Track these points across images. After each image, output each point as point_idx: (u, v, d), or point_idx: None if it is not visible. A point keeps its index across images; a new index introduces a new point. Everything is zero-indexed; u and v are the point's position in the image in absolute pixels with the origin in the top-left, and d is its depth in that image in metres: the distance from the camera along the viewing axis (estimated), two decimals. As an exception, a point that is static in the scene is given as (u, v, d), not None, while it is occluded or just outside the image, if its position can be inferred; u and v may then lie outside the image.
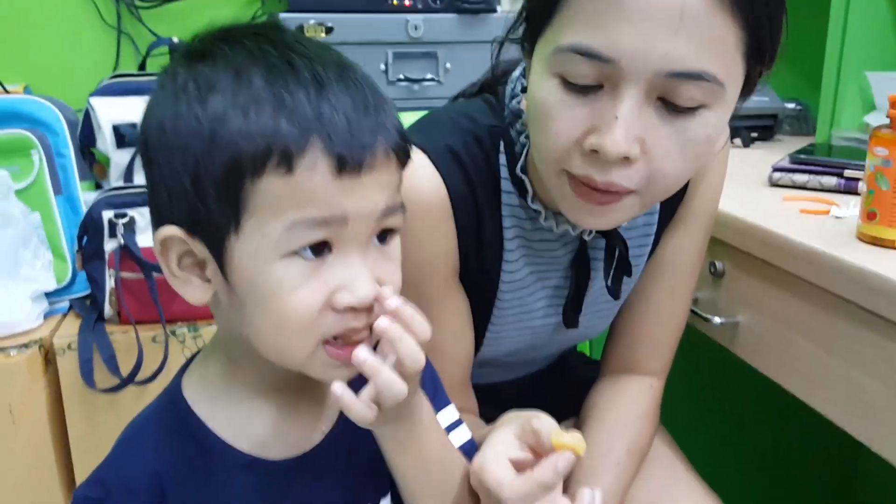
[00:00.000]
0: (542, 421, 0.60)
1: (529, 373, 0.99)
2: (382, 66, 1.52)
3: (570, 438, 0.56)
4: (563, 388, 1.02)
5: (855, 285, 0.75)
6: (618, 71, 0.60)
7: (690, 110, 0.62)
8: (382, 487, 0.64)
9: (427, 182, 0.73)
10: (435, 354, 0.80)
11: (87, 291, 1.49)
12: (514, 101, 0.76)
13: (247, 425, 0.59)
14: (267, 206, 0.49)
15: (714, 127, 0.64)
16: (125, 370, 1.33)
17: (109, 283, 1.43)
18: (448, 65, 1.55)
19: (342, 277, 0.52)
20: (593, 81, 0.62)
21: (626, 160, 0.62)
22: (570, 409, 0.98)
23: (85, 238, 1.44)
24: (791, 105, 1.49)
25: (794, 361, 0.86)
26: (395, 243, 0.57)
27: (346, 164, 0.49)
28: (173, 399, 0.59)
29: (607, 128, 0.61)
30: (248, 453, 0.58)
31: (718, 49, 0.60)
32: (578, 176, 0.64)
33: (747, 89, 0.67)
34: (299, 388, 0.60)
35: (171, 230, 0.52)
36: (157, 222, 0.54)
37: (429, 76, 1.54)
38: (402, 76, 1.54)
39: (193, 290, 0.55)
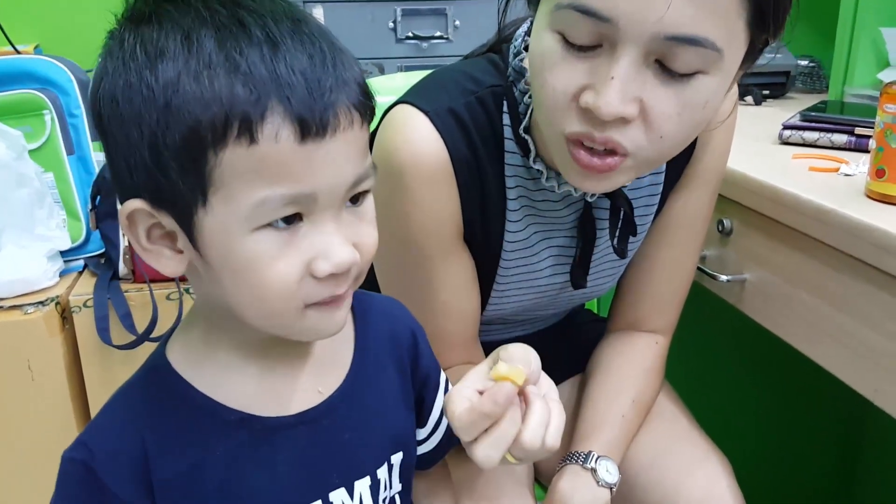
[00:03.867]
0: (508, 352, 0.58)
1: (537, 330, 1.00)
2: (391, 24, 1.51)
3: (506, 369, 0.56)
4: (571, 344, 1.03)
5: (863, 242, 0.75)
6: (616, 31, 0.60)
7: (687, 76, 0.62)
8: (380, 460, 0.63)
9: (428, 145, 0.73)
10: (443, 312, 0.82)
11: (102, 250, 1.50)
12: (517, 60, 0.76)
13: (235, 385, 0.57)
14: (234, 179, 0.47)
15: (713, 93, 0.64)
16: (140, 327, 1.35)
17: (123, 242, 1.45)
18: (457, 22, 1.54)
19: (318, 245, 0.51)
20: (592, 40, 0.62)
21: (622, 120, 0.63)
22: (577, 366, 0.99)
23: (98, 197, 1.45)
24: (804, 62, 1.48)
25: (799, 318, 0.87)
26: (369, 202, 0.55)
27: (310, 126, 0.47)
28: (157, 366, 0.58)
29: (602, 87, 0.61)
30: (239, 410, 0.56)
31: (718, 14, 0.60)
32: (578, 133, 0.65)
33: (751, 57, 0.67)
34: (286, 349, 0.59)
35: (135, 203, 0.50)
36: (121, 196, 0.53)
37: (437, 34, 1.54)
38: (410, 34, 1.53)
39: (167, 262, 0.53)
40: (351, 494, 0.61)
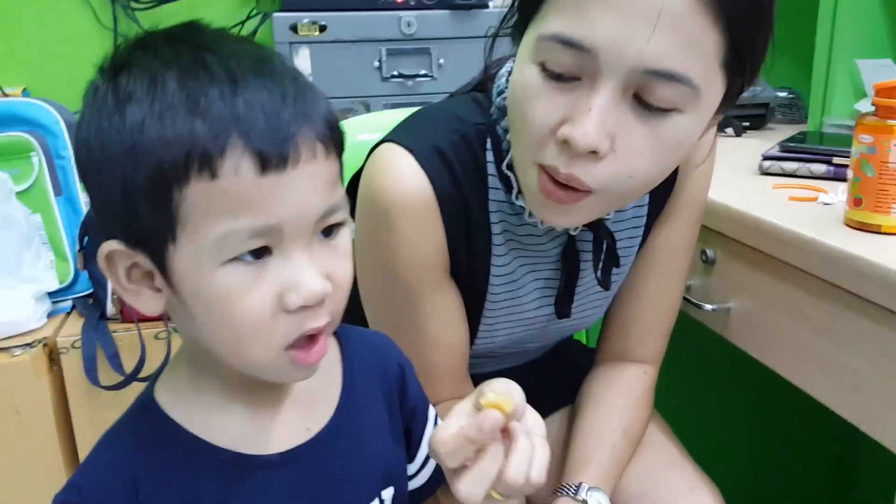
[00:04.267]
0: (491, 386, 0.57)
1: (525, 362, 1.00)
2: (376, 63, 1.54)
3: (495, 397, 0.55)
4: (560, 376, 1.03)
5: (843, 270, 0.77)
6: (596, 63, 0.61)
7: (664, 111, 0.63)
8: (370, 495, 0.63)
9: (413, 182, 0.73)
10: (432, 346, 0.82)
11: (90, 290, 1.50)
12: (500, 98, 0.77)
13: (224, 424, 0.57)
14: (198, 214, 0.48)
15: (687, 133, 0.66)
16: (129, 367, 1.35)
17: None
18: (441, 60, 1.57)
19: (288, 278, 0.50)
20: (572, 72, 0.63)
21: (593, 154, 0.64)
22: (567, 397, 0.99)
23: (86, 238, 1.45)
24: (783, 93, 1.50)
25: (784, 345, 0.88)
26: (343, 235, 0.55)
27: (269, 159, 0.48)
28: (146, 406, 0.58)
29: (580, 118, 0.62)
30: (229, 448, 0.57)
31: (696, 52, 0.61)
32: (546, 165, 0.66)
33: (727, 102, 0.68)
34: (272, 387, 0.59)
35: (112, 245, 0.52)
36: (101, 238, 0.53)
37: (422, 72, 1.56)
38: (396, 73, 1.55)
39: (146, 301, 0.54)
40: None
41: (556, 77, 0.64)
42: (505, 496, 0.57)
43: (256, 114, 0.48)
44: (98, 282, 1.45)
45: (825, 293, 0.80)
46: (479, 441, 0.55)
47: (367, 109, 1.44)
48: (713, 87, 0.65)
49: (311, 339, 0.53)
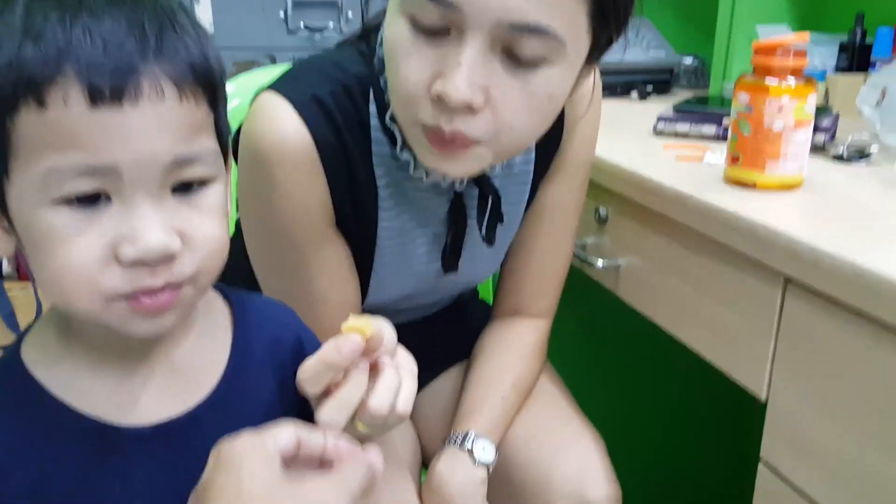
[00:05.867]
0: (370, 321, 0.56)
1: (421, 317, 1.01)
2: (282, 14, 1.49)
3: (355, 321, 0.54)
4: (459, 331, 1.05)
5: (718, 225, 0.79)
6: (462, 17, 0.62)
7: (532, 65, 0.64)
8: None
9: (292, 132, 0.72)
10: (321, 302, 0.82)
11: (-16, 249, 1.45)
12: (381, 48, 0.77)
13: (91, 389, 0.54)
14: (27, 146, 0.45)
15: (556, 85, 0.67)
16: (25, 326, 1.30)
17: (6, 240, 1.39)
18: (350, 14, 1.53)
19: (124, 227, 0.47)
20: (441, 25, 0.63)
21: (469, 109, 0.64)
22: (465, 351, 1.01)
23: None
24: (688, 60, 1.54)
25: (668, 301, 0.91)
26: (211, 193, 0.51)
27: (101, 91, 0.44)
28: (10, 363, 0.54)
29: (450, 73, 0.63)
30: (95, 418, 0.53)
31: (560, 5, 0.62)
32: (429, 126, 0.67)
33: (596, 53, 0.70)
34: (146, 352, 0.56)
35: None
36: None
37: (331, 25, 1.53)
38: (302, 24, 1.50)
39: None
40: None
41: (426, 32, 0.64)
42: (369, 427, 0.56)
43: (94, 42, 0.45)
44: (-8, 239, 1.40)
45: (703, 248, 0.83)
46: (337, 365, 0.54)
47: (273, 62, 1.40)
48: (580, 39, 0.66)
49: (145, 293, 0.49)
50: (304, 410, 0.63)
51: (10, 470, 0.51)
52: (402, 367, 0.57)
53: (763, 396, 0.76)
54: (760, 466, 0.78)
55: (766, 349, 0.75)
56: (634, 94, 1.38)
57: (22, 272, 1.41)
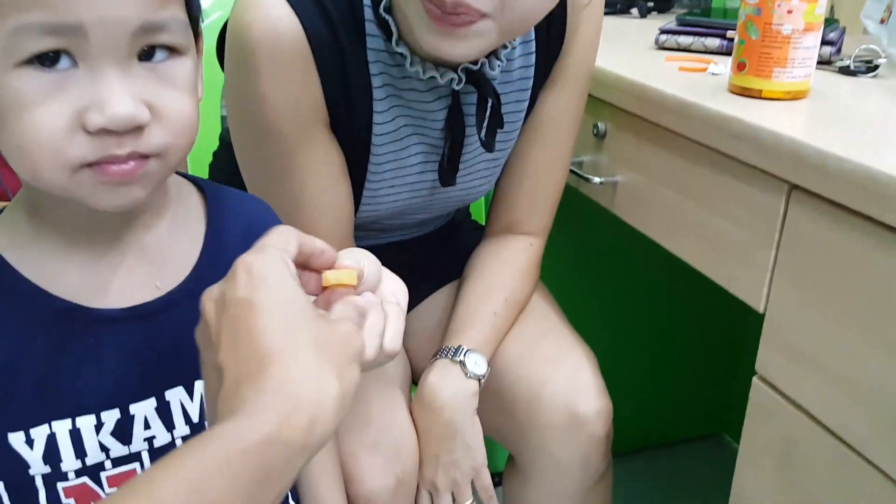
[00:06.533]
0: (340, 258, 0.53)
1: (416, 236, 0.99)
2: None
3: (334, 276, 0.52)
4: (451, 251, 1.03)
5: (720, 133, 0.77)
6: None
7: None
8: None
9: (282, 22, 0.69)
10: (312, 206, 0.79)
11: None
12: None
13: (61, 272, 0.53)
14: None
15: None
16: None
17: (-17, 156, 1.36)
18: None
19: (91, 94, 0.45)
20: None
21: None
22: (457, 272, 0.99)
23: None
24: (690, -23, 1.48)
25: (663, 214, 0.88)
26: (179, 65, 0.50)
27: None
28: None
29: None
30: (64, 298, 0.53)
31: None
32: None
33: None
34: (116, 236, 0.55)
35: None
36: None
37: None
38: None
39: None
40: (190, 394, 0.58)
41: None
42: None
43: None
44: (-31, 155, 1.36)
45: (703, 159, 0.80)
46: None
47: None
48: None
49: (110, 160, 0.48)
50: None
51: None
52: (386, 302, 0.54)
53: (761, 308, 0.75)
54: (755, 380, 0.77)
55: (766, 260, 0.73)
56: (635, 11, 1.34)
57: (0, 191, 1.37)
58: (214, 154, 1.02)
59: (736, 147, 0.75)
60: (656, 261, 1.18)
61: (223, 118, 1.06)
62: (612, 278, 1.44)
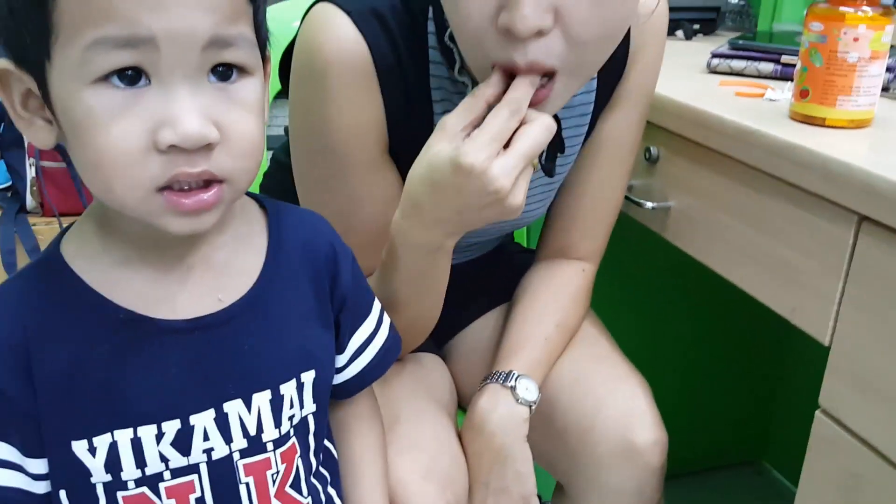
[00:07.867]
0: None
1: (464, 261, 0.98)
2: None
3: None
4: (500, 273, 1.02)
5: (783, 161, 0.75)
6: None
7: None
8: (285, 375, 0.60)
9: (348, 44, 0.69)
10: (370, 222, 0.78)
11: (9, 183, 1.43)
12: None
13: (128, 283, 0.54)
14: (68, 23, 0.45)
15: None
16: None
17: (30, 173, 1.38)
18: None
19: (163, 112, 0.46)
20: None
21: (539, 34, 0.61)
22: (505, 295, 0.98)
23: (2, 125, 1.37)
24: (734, 0, 1.48)
25: (720, 241, 0.87)
26: (247, 86, 0.50)
27: None
28: (49, 257, 0.55)
29: (514, 2, 0.59)
30: (129, 308, 0.54)
31: None
32: (502, 63, 0.63)
33: None
34: (184, 252, 0.56)
35: (2, 63, 0.49)
36: None
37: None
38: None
39: (37, 132, 0.51)
40: (248, 407, 0.58)
41: None
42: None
43: None
44: (16, 173, 1.38)
45: (764, 186, 0.79)
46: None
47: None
48: None
49: (188, 191, 0.49)
50: (337, 325, 0.65)
51: (47, 353, 0.52)
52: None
53: (826, 341, 0.73)
54: (818, 414, 0.75)
55: (832, 291, 0.72)
56: (680, 33, 1.33)
57: (46, 207, 1.39)
58: (265, 174, 1.03)
59: (801, 175, 0.73)
60: (700, 286, 1.17)
61: (270, 137, 1.07)
62: (657, 303, 1.43)
